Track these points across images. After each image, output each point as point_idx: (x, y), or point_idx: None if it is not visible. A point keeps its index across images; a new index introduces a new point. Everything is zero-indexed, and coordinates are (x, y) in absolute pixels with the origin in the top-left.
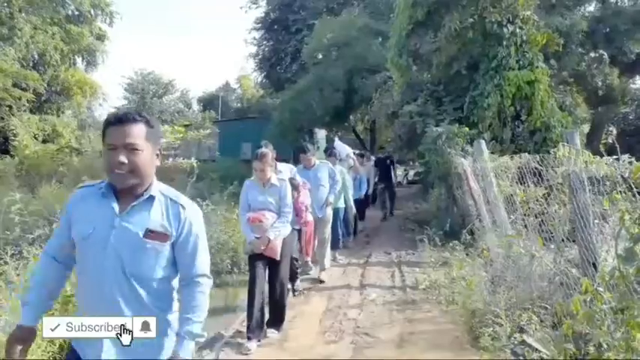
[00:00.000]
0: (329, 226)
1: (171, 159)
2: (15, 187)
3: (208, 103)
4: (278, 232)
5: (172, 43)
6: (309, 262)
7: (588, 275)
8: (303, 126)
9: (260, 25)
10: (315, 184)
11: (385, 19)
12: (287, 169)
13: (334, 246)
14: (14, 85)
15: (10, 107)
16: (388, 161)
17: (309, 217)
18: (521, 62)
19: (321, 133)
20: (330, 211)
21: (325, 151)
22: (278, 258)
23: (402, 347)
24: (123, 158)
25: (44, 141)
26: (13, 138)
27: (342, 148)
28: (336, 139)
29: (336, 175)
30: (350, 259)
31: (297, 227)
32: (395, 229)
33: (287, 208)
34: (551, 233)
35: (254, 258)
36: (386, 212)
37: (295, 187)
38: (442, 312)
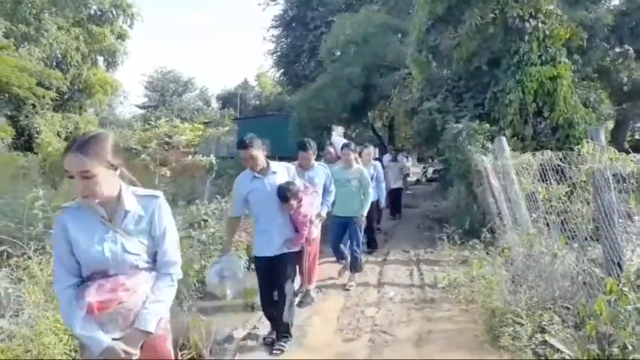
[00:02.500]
0: (315, 243)
1: (190, 156)
2: (38, 183)
3: (227, 100)
4: (158, 310)
5: (191, 42)
6: (312, 292)
7: (613, 275)
8: (320, 124)
9: (278, 22)
10: None
11: (404, 15)
12: (283, 170)
13: (353, 268)
14: (38, 83)
15: (34, 106)
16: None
17: (315, 232)
18: (543, 57)
19: (338, 130)
20: (318, 228)
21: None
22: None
23: (420, 346)
24: None
25: (67, 138)
26: (36, 135)
27: (341, 143)
28: (334, 132)
29: (332, 183)
30: (367, 257)
31: (296, 249)
32: (413, 227)
33: (173, 257)
34: (574, 232)
35: None
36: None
37: (293, 195)
38: (461, 311)
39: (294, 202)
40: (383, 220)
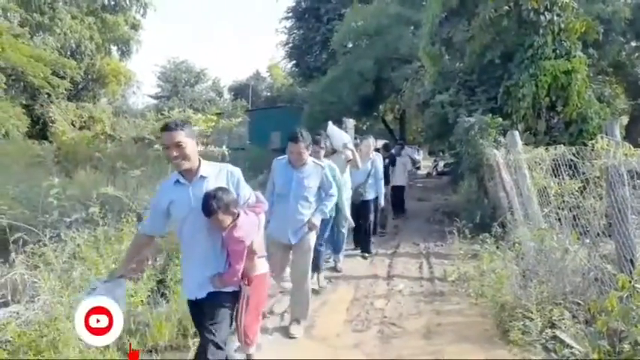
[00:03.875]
0: (308, 258)
1: (203, 147)
2: (53, 171)
3: (239, 91)
4: None
5: (204, 32)
6: (251, 350)
7: (625, 271)
8: (332, 116)
9: (291, 14)
10: (296, 192)
11: (417, 7)
12: (221, 176)
13: (314, 268)
14: (53, 73)
15: (49, 95)
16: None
17: (261, 268)
18: (558, 51)
19: (349, 123)
20: (312, 237)
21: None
22: None
23: (429, 338)
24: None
25: (81, 128)
26: (51, 124)
27: (338, 135)
28: (330, 123)
29: (331, 186)
30: (377, 249)
31: (229, 289)
32: (423, 220)
33: None
34: (586, 228)
35: None
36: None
37: (222, 207)
38: (471, 304)
39: (223, 217)
40: (382, 218)
